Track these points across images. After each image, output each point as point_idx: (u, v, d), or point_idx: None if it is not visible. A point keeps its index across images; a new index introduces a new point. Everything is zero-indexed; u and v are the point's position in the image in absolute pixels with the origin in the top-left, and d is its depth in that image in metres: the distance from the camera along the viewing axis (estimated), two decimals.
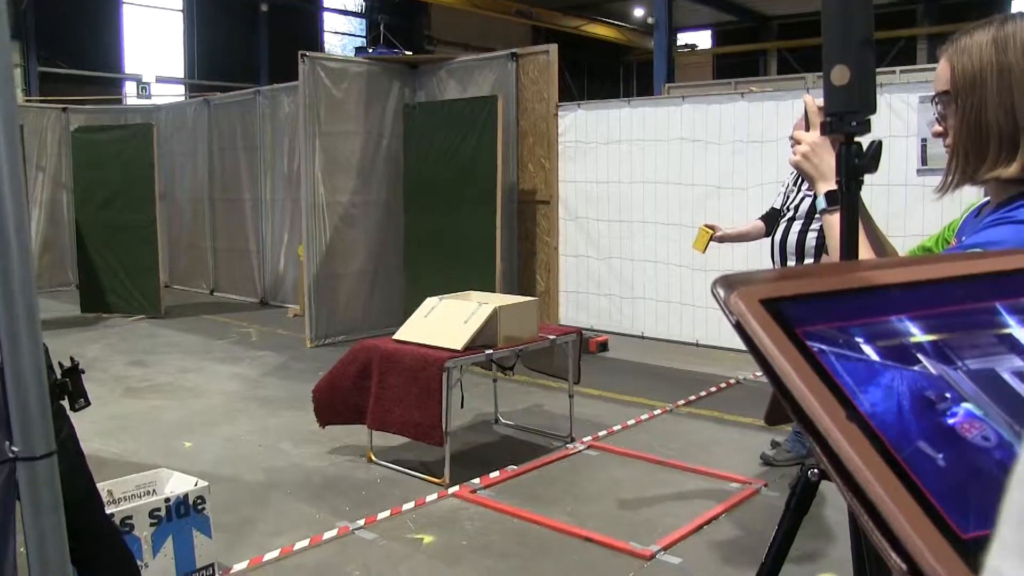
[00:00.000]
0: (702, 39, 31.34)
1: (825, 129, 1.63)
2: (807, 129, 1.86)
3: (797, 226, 5.16)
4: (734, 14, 27.86)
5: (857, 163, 1.60)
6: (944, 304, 0.94)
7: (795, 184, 5.34)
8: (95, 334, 9.90)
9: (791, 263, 5.16)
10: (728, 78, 21.41)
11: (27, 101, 17.25)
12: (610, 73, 32.37)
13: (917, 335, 0.90)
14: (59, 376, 2.90)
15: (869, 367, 0.84)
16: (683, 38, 28.12)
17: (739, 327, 0.83)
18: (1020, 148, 1.53)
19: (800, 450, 5.41)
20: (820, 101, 1.85)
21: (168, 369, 8.13)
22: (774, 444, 5.59)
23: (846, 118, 1.59)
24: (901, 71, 13.78)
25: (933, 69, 1.78)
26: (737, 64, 28.36)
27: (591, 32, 28.94)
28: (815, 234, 5.08)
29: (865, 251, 1.71)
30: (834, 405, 0.76)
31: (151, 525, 3.64)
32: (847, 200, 1.60)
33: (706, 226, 5.44)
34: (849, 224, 1.58)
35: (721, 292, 0.88)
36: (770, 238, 5.37)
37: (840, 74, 1.55)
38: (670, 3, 18.77)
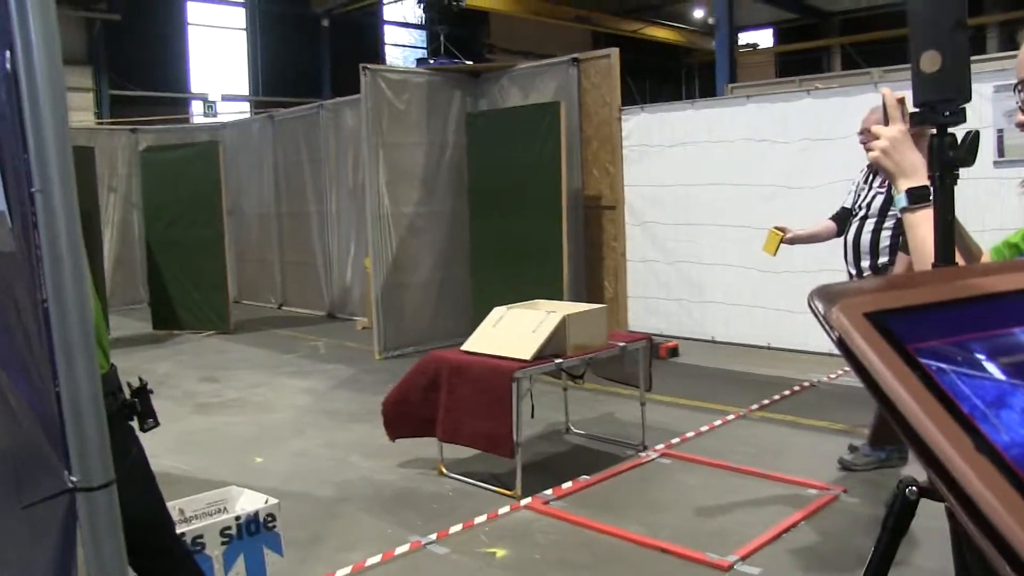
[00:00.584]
0: (763, 38, 30.92)
1: (915, 120, 1.52)
2: (886, 123, 1.74)
3: (870, 224, 5.08)
4: (795, 11, 27.44)
5: (952, 156, 1.48)
6: None
7: (866, 181, 5.25)
8: (167, 351, 10.04)
9: (865, 263, 5.09)
10: (791, 76, 21.05)
11: (99, 124, 17.64)
12: (671, 75, 32.09)
13: None
14: (128, 396, 2.90)
15: (996, 388, 0.74)
16: (744, 37, 27.76)
17: (842, 344, 0.75)
18: None
19: (880, 455, 5.26)
20: (899, 93, 1.75)
21: (238, 384, 8.20)
22: (852, 448, 5.43)
23: (938, 107, 1.48)
24: (973, 61, 13.38)
25: (1007, 57, 1.68)
26: (800, 62, 27.86)
27: (651, 35, 28.70)
28: (889, 232, 5.00)
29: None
30: (958, 434, 0.67)
31: (222, 544, 3.63)
32: (941, 197, 1.48)
33: (775, 228, 5.39)
34: (944, 222, 1.47)
35: (820, 305, 0.79)
36: (842, 238, 5.27)
37: (931, 61, 1.43)
38: (731, 2, 18.48)
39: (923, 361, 0.73)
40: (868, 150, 5.12)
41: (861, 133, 5.14)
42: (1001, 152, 6.68)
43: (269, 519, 3.82)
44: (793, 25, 29.19)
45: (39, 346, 1.33)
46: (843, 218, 5.34)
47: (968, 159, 1.48)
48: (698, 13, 28.90)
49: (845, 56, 28.00)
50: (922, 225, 1.60)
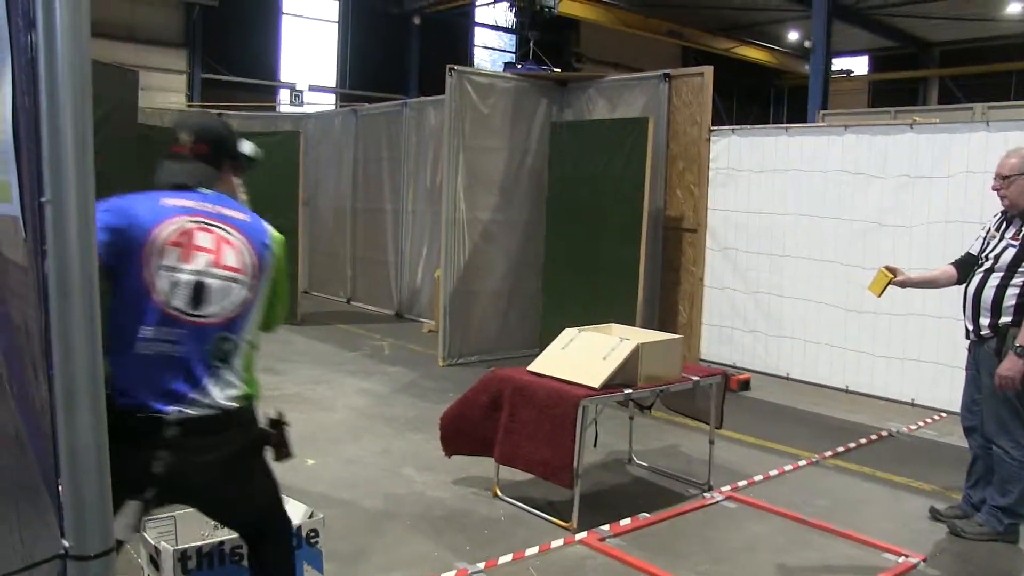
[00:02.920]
0: (858, 64, 30.23)
1: None
2: None
3: (995, 279, 4.65)
4: (894, 39, 26.73)
5: None
6: None
7: (997, 229, 4.80)
8: None
9: (984, 320, 4.69)
10: (884, 106, 20.47)
11: (189, 106, 17.87)
12: (759, 96, 31.57)
13: None
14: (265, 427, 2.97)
15: None
16: (838, 63, 27.14)
17: None
18: None
19: (996, 526, 4.80)
20: None
21: (299, 379, 8.08)
22: (934, 513, 5.08)
23: None
24: (1008, 107, 12.76)
25: None
26: (893, 91, 27.22)
27: (742, 54, 28.22)
28: (1017, 290, 4.57)
29: None
30: None
31: None
32: None
33: (886, 268, 4.97)
34: None
35: None
36: (962, 287, 4.88)
37: None
38: (829, 27, 18.05)
39: None
40: (1003, 198, 4.65)
41: (996, 178, 4.74)
42: None
43: (312, 535, 3.64)
44: (890, 53, 28.47)
45: (42, 381, 1.14)
46: (966, 265, 4.91)
47: None
48: (793, 35, 28.34)
49: (943, 88, 27.23)
50: None
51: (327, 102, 22.66)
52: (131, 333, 2.57)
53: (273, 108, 20.72)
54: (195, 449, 2.60)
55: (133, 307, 2.59)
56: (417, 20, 23.35)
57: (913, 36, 26.76)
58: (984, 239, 4.87)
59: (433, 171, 11.20)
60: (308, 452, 5.95)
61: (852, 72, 29.88)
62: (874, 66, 30.16)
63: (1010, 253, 4.61)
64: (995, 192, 4.76)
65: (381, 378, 8.31)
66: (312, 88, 22.63)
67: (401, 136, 11.96)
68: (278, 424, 2.96)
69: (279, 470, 5.37)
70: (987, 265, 4.72)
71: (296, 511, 3.85)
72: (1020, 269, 4.57)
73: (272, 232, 2.95)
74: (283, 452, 2.98)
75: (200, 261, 2.68)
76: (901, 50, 27.86)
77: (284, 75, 22.39)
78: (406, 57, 23.60)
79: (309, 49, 22.72)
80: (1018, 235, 4.63)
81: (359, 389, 7.84)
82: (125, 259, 2.57)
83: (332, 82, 23.31)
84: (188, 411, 2.58)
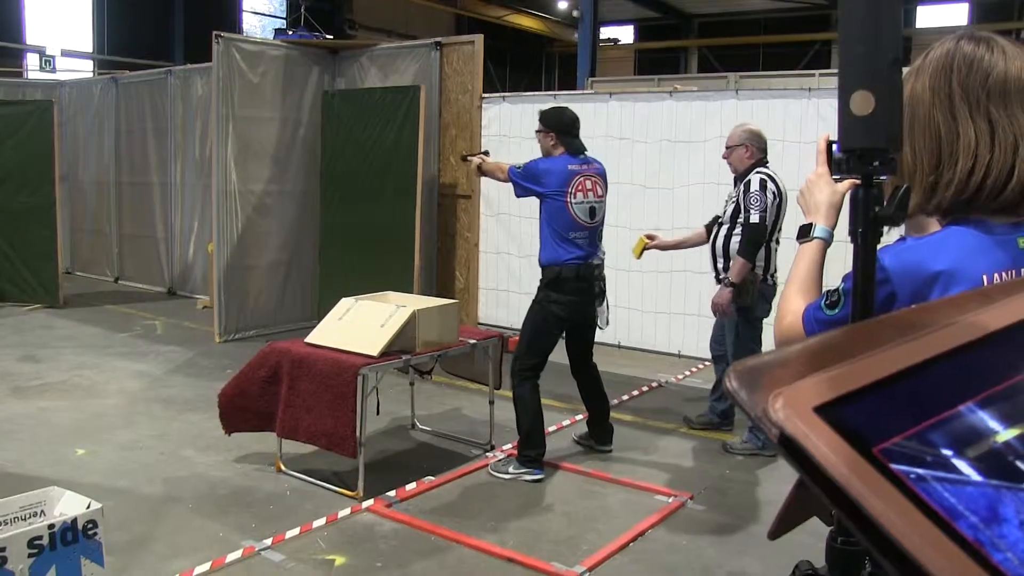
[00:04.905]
0: (624, 34, 31.34)
1: (839, 167, 1.38)
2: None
3: (724, 231, 5.49)
4: (657, 10, 27.92)
5: (878, 212, 1.33)
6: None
7: (734, 189, 5.55)
8: None
9: (719, 265, 5.52)
10: (648, 74, 21.39)
11: None
12: (532, 64, 32.17)
13: (1000, 431, 0.68)
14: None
15: (981, 495, 0.61)
16: (605, 32, 28.04)
17: (791, 447, 0.60)
18: None
19: (756, 442, 5.57)
20: (827, 136, 1.75)
21: (63, 365, 7.63)
22: (704, 421, 6.08)
23: (866, 156, 1.31)
24: (820, 75, 13.80)
25: None
26: (658, 60, 28.44)
27: (515, 22, 28.69)
28: (737, 238, 5.37)
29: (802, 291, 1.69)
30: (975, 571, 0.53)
31: (30, 556, 3.26)
32: (863, 255, 1.33)
33: (646, 236, 5.74)
34: (864, 282, 1.33)
35: (747, 395, 0.63)
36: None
37: (863, 102, 1.27)
38: None
39: (895, 467, 0.59)
40: (729, 163, 5.52)
41: (725, 148, 5.59)
42: None
43: (90, 526, 3.46)
44: (654, 23, 29.71)
45: None
46: (713, 226, 5.72)
47: (898, 216, 1.34)
48: (562, 4, 29.05)
49: (702, 58, 28.71)
50: (800, 256, 1.74)
51: (84, 69, 21.23)
52: (569, 234, 5.11)
53: (20, 75, 19.17)
54: (599, 277, 5.31)
55: (568, 223, 5.10)
56: None
57: (674, 8, 28.02)
58: (727, 202, 5.64)
59: (202, 142, 10.80)
60: (78, 442, 5.66)
61: (619, 41, 30.92)
62: (639, 35, 31.34)
63: (731, 208, 5.46)
64: (724, 159, 5.63)
65: (155, 359, 7.98)
66: (65, 53, 21.04)
67: (167, 106, 11.43)
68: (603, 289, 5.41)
69: (44, 462, 5.13)
70: (721, 220, 5.57)
71: (71, 503, 3.66)
72: (739, 220, 5.37)
73: (602, 165, 5.45)
74: (602, 298, 5.39)
75: (590, 196, 5.18)
76: (664, 21, 29.11)
77: (31, 38, 20.71)
78: (170, 22, 22.40)
79: (61, 10, 21.11)
80: (735, 192, 5.49)
81: (132, 372, 7.50)
82: (554, 198, 5.11)
83: (88, 47, 21.86)
84: (596, 262, 5.24)
